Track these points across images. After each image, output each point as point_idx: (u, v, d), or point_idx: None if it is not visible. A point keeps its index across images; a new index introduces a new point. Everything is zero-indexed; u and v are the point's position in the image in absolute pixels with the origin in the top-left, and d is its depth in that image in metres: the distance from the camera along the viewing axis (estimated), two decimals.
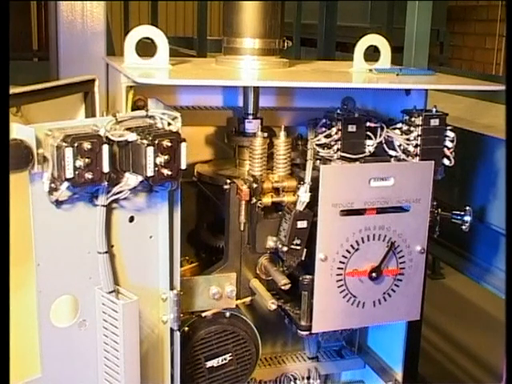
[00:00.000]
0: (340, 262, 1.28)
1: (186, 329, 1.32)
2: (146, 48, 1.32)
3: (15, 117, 1.10)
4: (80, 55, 1.79)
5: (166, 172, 1.05)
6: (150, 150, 1.03)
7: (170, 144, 1.05)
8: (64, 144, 0.99)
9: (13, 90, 1.05)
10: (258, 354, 1.40)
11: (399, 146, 1.32)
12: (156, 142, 1.03)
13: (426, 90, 1.40)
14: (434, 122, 1.31)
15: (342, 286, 1.30)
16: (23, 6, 4.55)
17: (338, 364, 1.68)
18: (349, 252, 1.28)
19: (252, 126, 1.41)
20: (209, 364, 1.35)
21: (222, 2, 1.54)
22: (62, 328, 1.12)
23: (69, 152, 0.99)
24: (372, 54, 1.51)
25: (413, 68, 1.92)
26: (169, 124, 1.12)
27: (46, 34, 4.54)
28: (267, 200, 1.29)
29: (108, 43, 1.87)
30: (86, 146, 1.00)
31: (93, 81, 1.26)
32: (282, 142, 1.32)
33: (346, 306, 1.31)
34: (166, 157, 1.04)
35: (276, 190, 1.31)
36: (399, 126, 1.33)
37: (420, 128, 1.30)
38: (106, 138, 1.03)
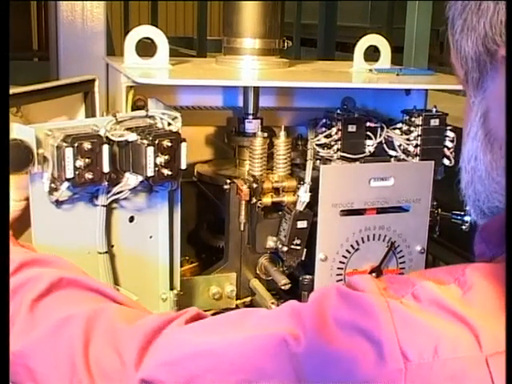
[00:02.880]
0: (340, 261, 1.28)
1: None
2: (146, 48, 1.32)
3: (15, 117, 1.10)
4: (80, 55, 1.79)
5: (166, 172, 1.05)
6: (150, 150, 1.03)
7: (170, 144, 1.05)
8: (64, 144, 0.99)
9: (13, 90, 1.05)
10: None
11: (399, 146, 1.32)
12: (156, 142, 1.03)
13: (426, 90, 1.40)
14: (434, 122, 1.31)
15: None
16: (23, 6, 4.55)
17: None
18: (349, 252, 1.28)
19: (252, 126, 1.41)
20: None
21: (221, 2, 1.54)
22: None
23: (69, 152, 0.99)
24: (372, 53, 1.51)
25: (413, 68, 1.92)
26: (169, 124, 1.12)
27: (46, 34, 4.54)
28: (267, 200, 1.29)
29: (108, 43, 1.87)
30: (86, 146, 1.00)
31: (93, 81, 1.26)
32: (282, 141, 1.32)
33: None
34: (166, 157, 1.04)
35: (276, 190, 1.31)
36: (399, 126, 1.33)
37: (420, 128, 1.30)
38: (106, 138, 1.03)
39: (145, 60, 1.28)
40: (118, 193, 1.09)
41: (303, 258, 1.29)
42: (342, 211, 1.27)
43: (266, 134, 1.32)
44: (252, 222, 1.30)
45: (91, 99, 1.26)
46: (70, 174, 1.00)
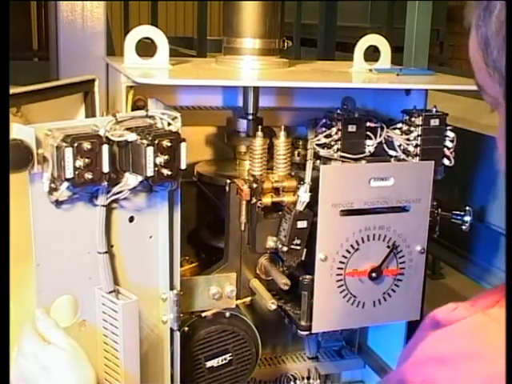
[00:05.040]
0: (340, 262, 1.28)
1: (186, 329, 1.32)
2: (146, 48, 1.32)
3: (15, 117, 1.10)
4: (80, 55, 1.79)
5: (165, 172, 1.05)
6: (150, 150, 1.03)
7: (169, 144, 1.05)
8: (64, 144, 0.99)
9: (13, 90, 1.05)
10: (257, 354, 1.40)
11: (399, 146, 1.32)
12: (156, 142, 1.03)
13: (426, 90, 1.40)
14: (434, 122, 1.31)
15: (342, 286, 1.30)
16: (23, 6, 4.55)
17: (337, 364, 1.68)
18: (349, 252, 1.28)
19: (252, 126, 1.41)
20: (209, 364, 1.35)
21: (221, 2, 1.54)
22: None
23: (69, 152, 0.99)
24: (372, 53, 1.51)
25: (413, 68, 1.92)
26: (169, 124, 1.12)
27: (46, 33, 4.54)
28: (267, 200, 1.29)
29: (108, 43, 1.87)
30: (86, 146, 1.00)
31: (93, 81, 1.26)
32: (282, 141, 1.32)
33: (345, 306, 1.31)
34: (166, 157, 1.04)
35: (276, 190, 1.31)
36: (399, 126, 1.33)
37: (420, 128, 1.30)
38: (106, 138, 1.03)
39: (145, 60, 1.28)
40: (118, 193, 1.09)
41: (303, 258, 1.29)
42: (341, 211, 1.27)
43: (265, 134, 1.33)
44: (252, 222, 1.30)
45: (91, 99, 1.26)
46: (69, 174, 1.00)
